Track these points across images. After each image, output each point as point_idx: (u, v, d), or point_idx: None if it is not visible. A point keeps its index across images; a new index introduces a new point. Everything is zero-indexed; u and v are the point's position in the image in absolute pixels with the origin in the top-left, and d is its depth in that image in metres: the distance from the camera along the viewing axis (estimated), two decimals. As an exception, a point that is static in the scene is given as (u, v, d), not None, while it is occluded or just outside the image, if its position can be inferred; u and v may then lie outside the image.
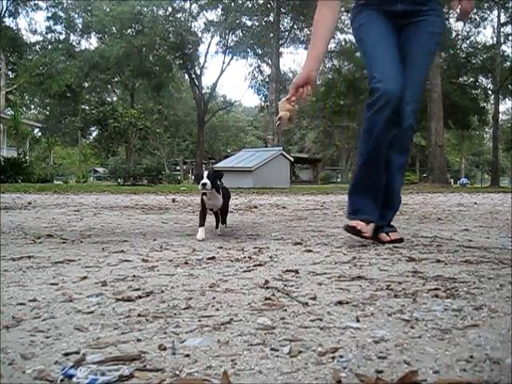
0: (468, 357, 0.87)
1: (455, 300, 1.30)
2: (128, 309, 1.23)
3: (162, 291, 1.43)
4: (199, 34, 37.62)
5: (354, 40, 2.79)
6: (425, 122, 23.59)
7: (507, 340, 0.96)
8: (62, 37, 37.29)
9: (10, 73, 35.15)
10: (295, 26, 36.12)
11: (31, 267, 1.84)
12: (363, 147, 2.46)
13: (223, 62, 38.44)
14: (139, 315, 1.17)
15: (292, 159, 22.25)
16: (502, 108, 57.59)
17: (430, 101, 22.27)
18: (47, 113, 42.86)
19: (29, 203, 6.56)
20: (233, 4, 34.64)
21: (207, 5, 36.14)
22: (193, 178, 3.62)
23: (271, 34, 32.94)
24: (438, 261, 1.94)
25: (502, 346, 0.93)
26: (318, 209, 5.91)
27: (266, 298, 1.33)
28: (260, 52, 37.93)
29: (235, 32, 36.84)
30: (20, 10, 35.34)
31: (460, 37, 32.36)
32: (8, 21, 34.38)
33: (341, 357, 0.88)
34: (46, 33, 37.15)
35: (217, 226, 3.05)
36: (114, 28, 35.21)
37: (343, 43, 37.44)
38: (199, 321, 1.12)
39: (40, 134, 36.90)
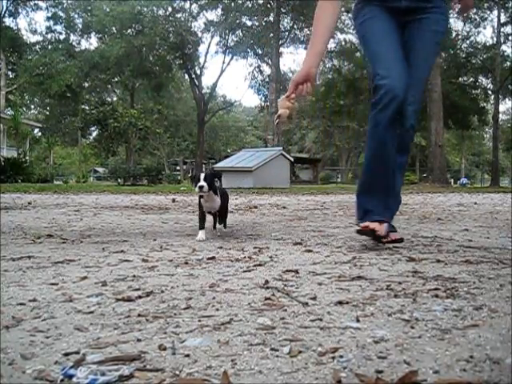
0: (468, 357, 0.87)
1: (455, 300, 1.30)
2: (128, 309, 1.23)
3: (162, 291, 1.43)
4: (199, 34, 37.65)
5: (354, 40, 2.76)
6: (425, 122, 23.59)
7: (507, 340, 0.96)
8: (62, 37, 37.32)
9: (10, 73, 35.15)
10: (295, 26, 36.13)
11: (31, 267, 1.84)
12: (369, 147, 2.42)
13: (223, 62, 38.47)
14: (139, 315, 1.17)
15: (292, 159, 22.25)
16: (502, 108, 57.62)
17: (430, 101, 22.27)
18: (47, 113, 42.84)
19: (29, 203, 6.56)
20: (233, 4, 34.63)
21: (207, 5, 36.14)
22: (190, 180, 3.49)
23: (271, 34, 32.94)
24: (438, 261, 1.94)
25: (501, 345, 0.93)
26: (318, 209, 5.91)
27: (266, 298, 1.33)
28: (260, 52, 37.94)
29: (235, 32, 36.85)
30: (20, 10, 35.35)
31: (460, 37, 32.37)
32: (8, 21, 34.42)
33: (341, 357, 0.88)
34: (46, 33, 37.19)
35: (214, 227, 3.03)
36: (114, 28, 35.21)
37: (343, 43, 37.44)
38: (199, 321, 1.12)
39: (40, 133, 36.92)
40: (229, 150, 42.12)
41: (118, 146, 29.46)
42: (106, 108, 26.88)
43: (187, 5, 36.72)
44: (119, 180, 23.59)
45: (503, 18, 30.71)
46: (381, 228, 2.31)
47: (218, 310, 1.22)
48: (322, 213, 5.14)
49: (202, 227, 2.73)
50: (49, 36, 37.39)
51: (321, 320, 1.12)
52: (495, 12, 30.67)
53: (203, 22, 38.63)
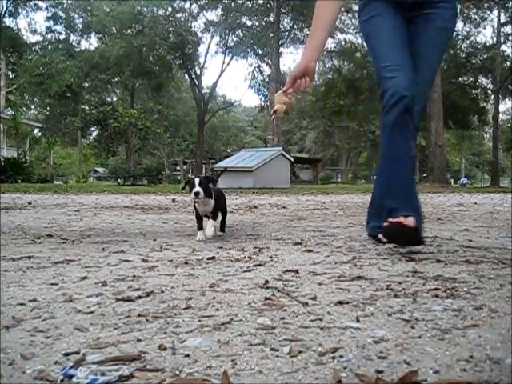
0: (468, 357, 0.87)
1: (455, 300, 1.30)
2: (128, 309, 1.23)
3: (162, 291, 1.43)
4: (199, 34, 37.66)
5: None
6: (425, 122, 23.57)
7: (507, 340, 0.96)
8: (62, 37, 37.33)
9: (9, 73, 35.15)
10: (295, 26, 36.14)
11: (31, 267, 1.84)
12: (382, 150, 2.34)
13: (223, 62, 38.48)
14: (139, 315, 1.17)
15: (292, 159, 22.27)
16: (502, 108, 57.63)
17: (430, 101, 22.26)
18: (47, 113, 42.87)
19: (29, 203, 6.56)
20: (233, 4, 34.64)
21: (207, 5, 36.15)
22: (184, 185, 3.37)
23: (271, 34, 32.96)
24: (438, 261, 1.94)
25: (501, 345, 0.93)
26: (318, 209, 5.91)
27: (266, 298, 1.33)
28: (260, 52, 37.94)
29: (235, 32, 36.85)
30: (20, 10, 35.37)
31: (460, 37, 32.36)
32: (8, 21, 34.44)
33: (341, 357, 0.88)
34: (46, 33, 37.21)
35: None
36: (113, 28, 35.21)
37: (343, 43, 37.46)
38: (199, 321, 1.12)
39: (40, 134, 36.93)
40: (229, 150, 42.14)
41: (118, 146, 29.48)
42: (106, 108, 26.90)
43: (187, 5, 36.76)
44: (119, 180, 23.60)
45: (503, 18, 30.75)
46: (407, 220, 2.10)
47: (217, 310, 1.22)
48: (321, 213, 5.14)
49: (200, 228, 2.73)
50: (49, 36, 37.45)
51: (321, 320, 1.12)
52: (495, 12, 30.70)
53: (203, 22, 38.67)
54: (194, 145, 41.33)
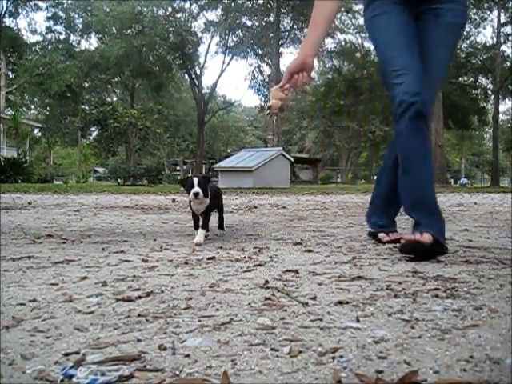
0: (468, 357, 0.87)
1: (455, 300, 1.30)
2: (128, 309, 1.23)
3: (162, 291, 1.43)
4: (199, 34, 37.65)
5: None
6: (425, 122, 23.58)
7: (507, 340, 0.96)
8: (62, 37, 37.32)
9: (10, 73, 35.15)
10: (295, 26, 36.13)
11: (31, 267, 1.84)
12: (401, 161, 2.21)
13: (223, 62, 38.46)
14: (139, 315, 1.17)
15: (292, 159, 22.26)
16: (502, 108, 57.64)
17: (429, 101, 22.25)
18: (47, 113, 42.86)
19: (29, 203, 6.56)
20: (233, 4, 34.63)
21: (207, 5, 36.14)
22: (180, 184, 3.26)
23: (271, 34, 32.95)
24: (438, 261, 1.94)
25: (501, 346, 0.93)
26: (318, 209, 5.91)
27: (266, 298, 1.33)
28: (260, 52, 37.93)
29: (235, 32, 36.84)
30: (20, 10, 35.36)
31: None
32: (8, 21, 34.43)
33: (341, 357, 0.88)
34: (46, 33, 37.20)
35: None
36: (113, 28, 35.20)
37: (343, 43, 37.47)
38: (199, 321, 1.12)
39: (40, 134, 36.91)
40: (229, 150, 42.15)
41: (118, 146, 29.49)
42: (106, 108, 26.90)
43: (187, 5, 36.75)
44: (119, 180, 23.61)
45: (503, 18, 30.74)
46: (423, 237, 1.97)
47: (218, 310, 1.22)
48: (321, 213, 5.14)
49: (197, 228, 2.70)
50: (49, 36, 37.44)
51: (321, 320, 1.12)
52: (495, 12, 30.69)
53: (203, 22, 38.66)
54: (194, 145, 41.33)
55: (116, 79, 37.63)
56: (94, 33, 37.30)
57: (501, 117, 39.57)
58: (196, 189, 2.52)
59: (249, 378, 0.79)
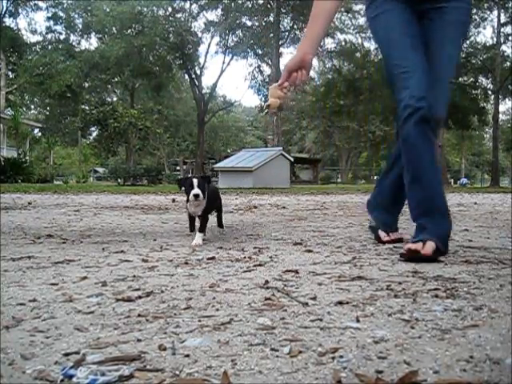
0: (468, 357, 0.87)
1: (455, 300, 1.30)
2: (128, 309, 1.23)
3: (162, 291, 1.43)
4: (199, 34, 37.65)
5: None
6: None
7: (507, 340, 0.96)
8: (62, 37, 37.33)
9: (9, 73, 35.15)
10: (295, 26, 36.13)
11: (31, 267, 1.84)
12: (406, 168, 2.15)
13: (223, 62, 38.46)
14: (139, 315, 1.17)
15: (292, 159, 22.27)
16: (501, 108, 57.62)
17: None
18: (47, 113, 42.84)
19: (29, 203, 6.56)
20: (233, 4, 34.63)
21: (207, 5, 36.14)
22: (178, 184, 2.66)
23: (271, 34, 32.95)
24: (438, 261, 1.93)
25: (501, 346, 0.93)
26: (318, 209, 5.91)
27: (266, 298, 1.33)
28: (260, 52, 37.94)
29: (235, 32, 36.84)
30: (20, 10, 35.35)
31: (460, 37, 32.30)
32: (8, 21, 34.44)
33: (341, 357, 0.88)
34: (46, 33, 37.20)
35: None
36: (113, 28, 35.20)
37: (343, 43, 37.47)
38: (199, 321, 1.12)
39: (40, 134, 36.93)
40: (229, 150, 42.15)
41: (118, 146, 29.48)
42: (106, 108, 26.90)
43: (187, 5, 36.74)
44: (119, 180, 23.61)
45: (503, 18, 30.73)
46: (425, 249, 1.93)
47: (218, 310, 1.22)
48: (321, 213, 5.14)
49: (192, 229, 2.68)
50: (49, 36, 37.45)
51: (321, 320, 1.12)
52: (495, 12, 30.68)
53: (203, 22, 38.66)
54: (194, 145, 41.33)
55: (116, 79, 37.63)
56: (94, 33, 37.31)
57: (501, 117, 39.61)
58: (196, 190, 2.44)
59: (249, 378, 0.79)
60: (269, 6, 33.37)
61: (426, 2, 2.20)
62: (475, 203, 7.54)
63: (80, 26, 36.93)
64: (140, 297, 1.35)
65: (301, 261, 1.98)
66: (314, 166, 35.46)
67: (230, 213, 5.07)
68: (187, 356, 0.89)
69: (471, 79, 34.68)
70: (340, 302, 1.27)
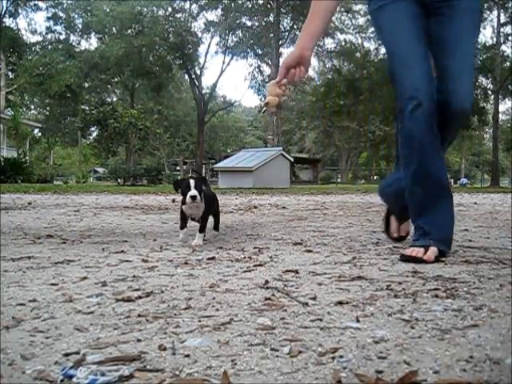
0: (468, 357, 0.87)
1: (455, 300, 1.30)
2: (128, 309, 1.23)
3: (162, 291, 1.43)
4: (199, 35, 37.69)
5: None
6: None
7: (507, 340, 0.96)
8: (61, 37, 37.39)
9: (9, 73, 35.16)
10: (295, 26, 36.12)
11: (31, 267, 1.84)
12: (410, 170, 2.06)
13: (223, 62, 38.50)
14: (139, 315, 1.17)
15: (292, 159, 22.28)
16: (501, 108, 57.56)
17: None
18: (47, 113, 42.85)
19: (29, 203, 6.56)
20: (233, 4, 34.65)
21: (207, 5, 36.16)
22: (174, 186, 2.58)
23: (271, 34, 32.97)
24: (438, 261, 1.93)
25: (502, 346, 0.93)
26: (318, 209, 5.91)
27: (266, 298, 1.33)
28: (260, 52, 37.95)
29: (235, 32, 36.87)
30: (20, 11, 35.38)
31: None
32: (8, 21, 34.46)
33: (341, 357, 0.88)
34: (46, 33, 37.25)
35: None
36: (113, 28, 35.24)
37: (343, 43, 37.49)
38: (199, 321, 1.12)
39: (40, 134, 36.94)
40: (229, 150, 42.17)
41: (118, 146, 29.48)
42: (106, 108, 26.90)
43: (187, 5, 36.79)
44: (119, 180, 23.62)
45: (503, 18, 30.75)
46: (427, 255, 1.90)
47: (218, 310, 1.22)
48: (321, 213, 5.14)
49: (183, 227, 2.55)
50: (49, 36, 37.49)
51: (321, 320, 1.12)
52: (495, 12, 30.69)
53: (203, 23, 38.71)
54: (194, 145, 41.34)
55: (116, 79, 37.65)
56: (94, 33, 37.35)
57: (501, 117, 39.60)
58: (193, 191, 2.34)
59: (249, 378, 0.79)
60: (269, 6, 33.38)
61: None
62: (475, 203, 7.54)
63: (80, 26, 37.00)
64: (140, 297, 1.35)
65: (301, 261, 1.98)
66: (313, 166, 35.48)
67: (230, 213, 5.07)
68: (187, 356, 0.89)
69: (471, 79, 34.63)
70: (340, 302, 1.27)
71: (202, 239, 2.53)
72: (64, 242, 2.59)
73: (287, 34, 36.33)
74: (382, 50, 34.84)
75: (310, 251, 2.25)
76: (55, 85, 32.26)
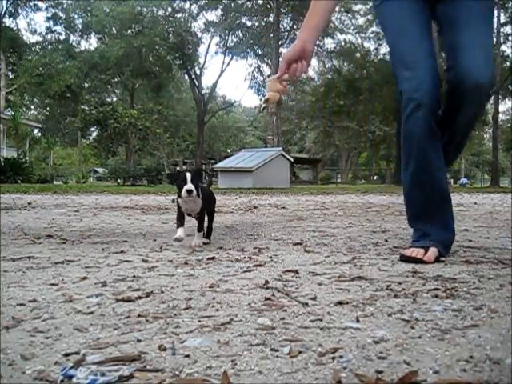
0: (468, 357, 0.87)
1: (455, 300, 1.30)
2: (128, 309, 1.23)
3: (162, 291, 1.43)
4: (199, 35, 37.71)
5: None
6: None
7: (507, 340, 0.96)
8: (61, 37, 37.41)
9: (9, 73, 35.17)
10: (295, 27, 36.11)
11: (31, 268, 1.84)
12: (412, 171, 2.02)
13: (223, 63, 38.54)
14: (139, 315, 1.16)
15: (292, 159, 22.27)
16: (501, 108, 57.55)
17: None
18: (47, 113, 42.86)
19: (29, 204, 6.56)
20: (233, 4, 34.66)
21: (207, 5, 36.18)
22: (168, 178, 2.60)
23: (271, 35, 32.96)
24: (438, 261, 1.93)
25: (502, 346, 0.93)
26: (318, 209, 5.90)
27: (266, 299, 1.33)
28: (260, 52, 37.97)
29: (235, 32, 36.88)
30: (20, 11, 35.41)
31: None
32: (8, 21, 34.48)
33: (341, 357, 0.88)
34: (46, 33, 37.27)
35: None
36: (113, 28, 35.26)
37: (343, 43, 37.49)
38: (199, 321, 1.12)
39: (40, 134, 36.98)
40: (229, 151, 42.18)
41: (118, 146, 29.52)
42: (106, 108, 26.92)
43: (187, 5, 36.80)
44: (119, 180, 23.63)
45: (503, 18, 30.80)
46: (427, 256, 1.88)
47: (217, 310, 1.22)
48: (321, 213, 5.14)
49: (180, 225, 2.41)
50: (49, 36, 37.51)
51: (321, 320, 1.12)
52: (495, 12, 30.68)
53: (203, 23, 38.79)
54: (194, 145, 41.35)
55: (116, 79, 37.65)
56: (93, 33, 37.36)
57: (501, 117, 39.58)
58: (189, 185, 2.22)
59: (249, 378, 0.79)
60: (269, 6, 33.38)
61: None
62: (475, 203, 7.54)
63: (80, 26, 37.01)
64: (140, 297, 1.35)
65: (301, 261, 1.98)
66: (313, 166, 35.49)
67: (230, 213, 5.07)
68: (187, 356, 0.89)
69: (471, 79, 34.63)
70: (340, 302, 1.27)
71: (202, 239, 2.48)
72: (64, 242, 2.59)
73: (287, 34, 36.33)
74: (382, 50, 34.89)
75: (309, 251, 2.25)
76: (55, 85, 32.26)
